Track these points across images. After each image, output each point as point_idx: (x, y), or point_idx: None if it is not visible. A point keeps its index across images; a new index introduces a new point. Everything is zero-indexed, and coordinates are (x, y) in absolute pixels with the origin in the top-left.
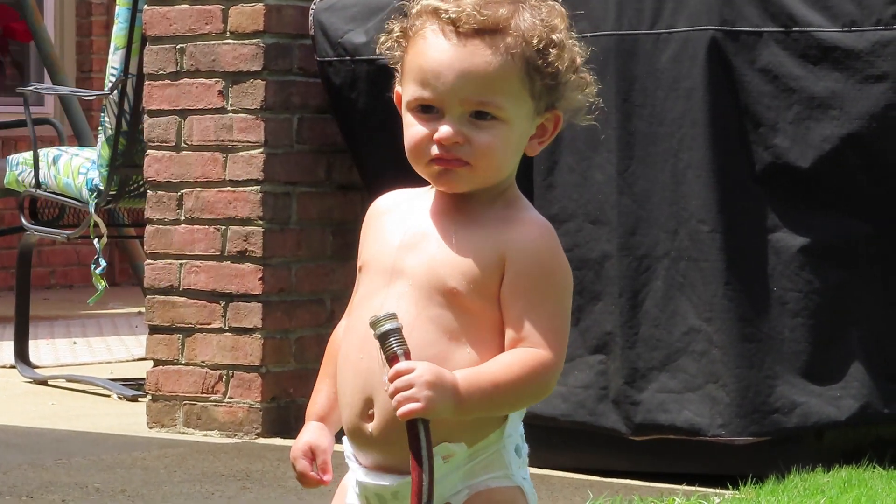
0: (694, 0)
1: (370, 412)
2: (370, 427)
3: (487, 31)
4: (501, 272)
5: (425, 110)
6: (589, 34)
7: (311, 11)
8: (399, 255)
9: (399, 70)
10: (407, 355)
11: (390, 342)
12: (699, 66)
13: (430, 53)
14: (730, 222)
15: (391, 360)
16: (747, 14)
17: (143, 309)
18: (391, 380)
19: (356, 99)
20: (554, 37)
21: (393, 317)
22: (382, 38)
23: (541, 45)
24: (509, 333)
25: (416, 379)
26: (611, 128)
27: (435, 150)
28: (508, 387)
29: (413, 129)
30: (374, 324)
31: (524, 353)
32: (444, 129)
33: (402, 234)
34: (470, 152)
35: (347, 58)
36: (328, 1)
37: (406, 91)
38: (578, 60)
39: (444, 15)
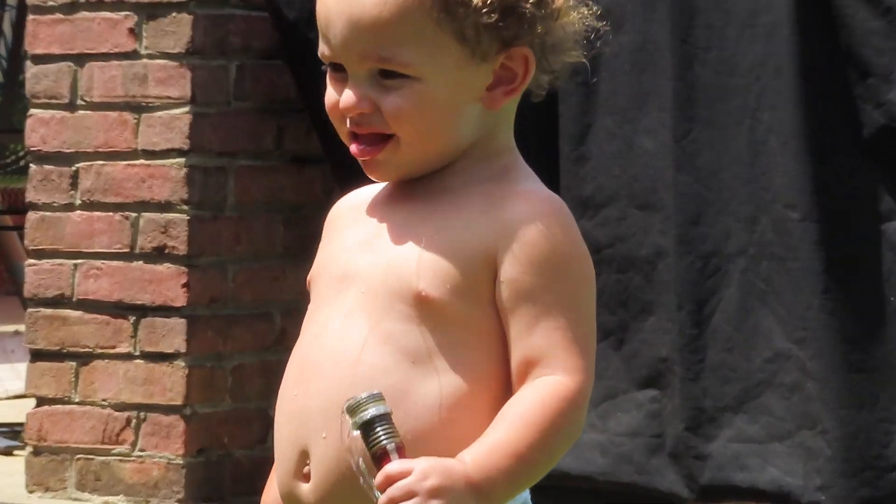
0: None
1: (305, 469)
2: (305, 489)
3: None
4: (493, 267)
5: (336, 67)
6: None
7: None
8: (349, 259)
9: None
10: (401, 451)
11: (377, 434)
12: None
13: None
14: (828, 207)
15: (380, 458)
16: None
17: (21, 327)
18: (381, 487)
19: (316, 39)
20: None
21: (378, 398)
22: None
23: None
24: (516, 354)
25: (415, 486)
26: (664, 78)
27: (349, 123)
28: (535, 452)
29: (327, 93)
30: (352, 408)
31: (543, 393)
32: (345, 96)
33: (356, 234)
34: (381, 120)
35: None
36: None
37: None
38: None
39: None
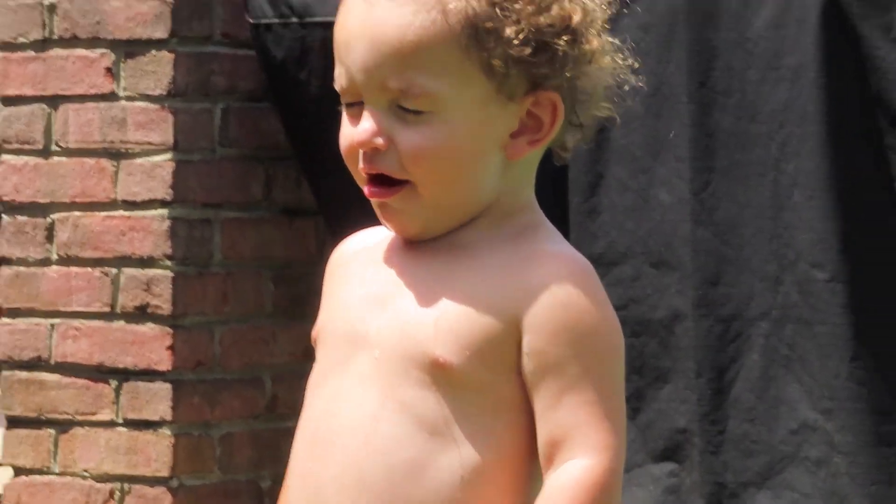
0: None
1: None
2: None
3: None
4: (516, 334)
5: (352, 104)
6: None
7: None
8: (362, 316)
9: None
10: None
11: None
12: (810, 35)
13: (343, 20)
14: (858, 267)
15: None
16: None
17: None
18: None
19: (307, 80)
20: None
21: None
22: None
23: None
24: (542, 432)
25: None
26: (681, 125)
27: (361, 162)
28: None
29: (342, 132)
30: None
31: (573, 483)
32: (360, 127)
33: (369, 287)
34: (395, 162)
35: (294, 19)
36: None
37: None
38: (576, 19)
39: None
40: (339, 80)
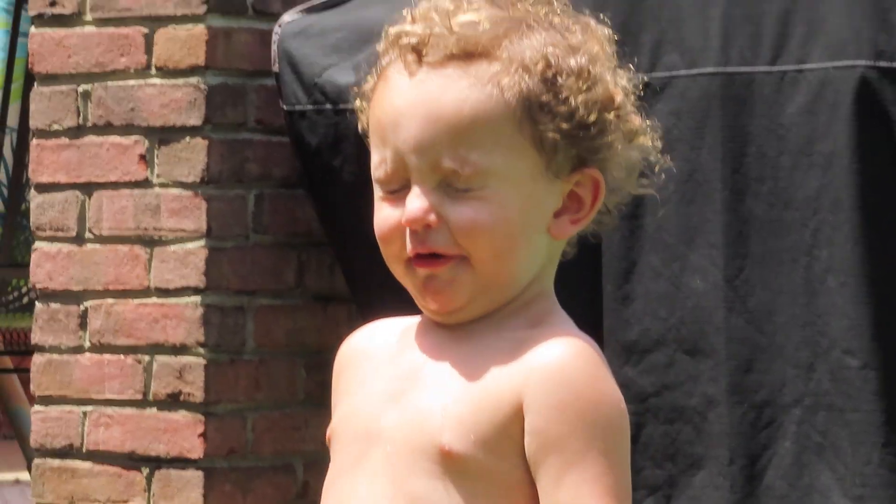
0: (835, 24)
1: None
2: None
3: (463, 57)
4: (520, 417)
5: (393, 190)
6: (682, 72)
7: (274, 37)
8: (376, 414)
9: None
10: None
11: None
12: (843, 121)
13: (388, 100)
14: (890, 354)
15: None
16: None
17: (21, 475)
18: None
19: (340, 167)
20: (572, 61)
21: None
22: (358, 97)
23: (549, 73)
24: None
25: None
26: (714, 211)
27: (409, 244)
28: None
29: (379, 216)
30: None
31: None
32: (410, 206)
33: (384, 384)
34: (448, 238)
35: (328, 106)
36: (299, 22)
37: (372, 165)
38: (619, 99)
39: (404, 40)
40: (383, 167)
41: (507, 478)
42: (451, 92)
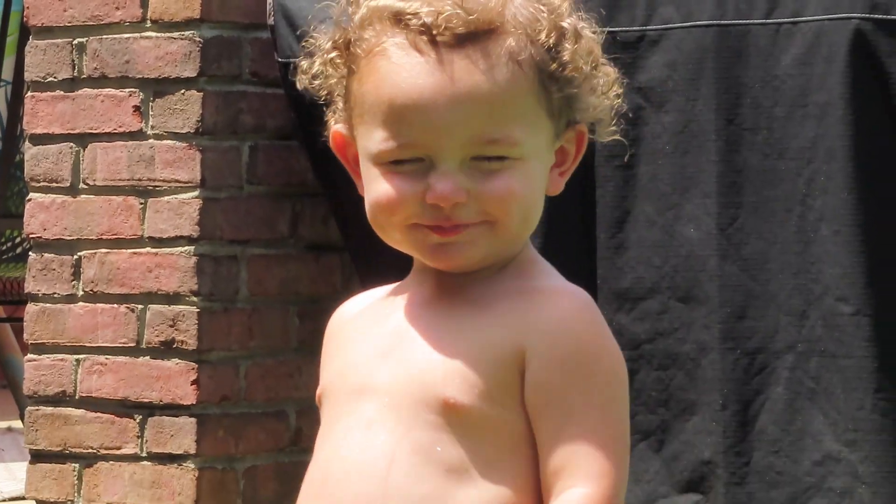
0: None
1: None
2: None
3: (480, 34)
4: (522, 368)
5: (403, 162)
6: (677, 24)
7: None
8: (368, 370)
9: (341, 105)
10: None
11: None
12: (838, 72)
13: (401, 79)
14: (883, 301)
15: None
16: None
17: (13, 423)
18: None
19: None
20: (564, 24)
21: None
22: (305, 65)
23: (551, 40)
24: (543, 463)
25: None
26: (708, 161)
27: (429, 216)
28: None
29: (382, 187)
30: None
31: None
32: (443, 186)
33: (374, 342)
34: (475, 211)
35: None
36: None
37: (367, 137)
38: (598, 50)
39: (412, 20)
40: (390, 143)
41: (510, 429)
42: (479, 73)
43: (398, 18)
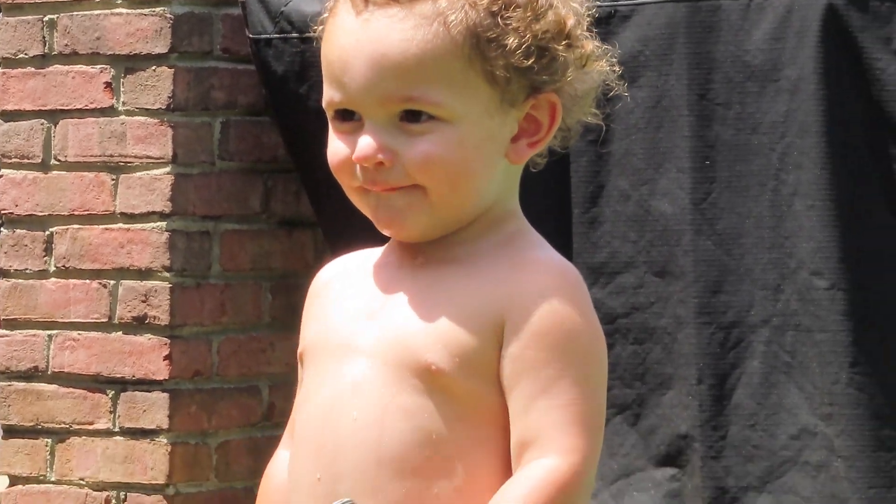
0: None
1: None
2: None
3: None
4: (500, 341)
5: (345, 117)
6: (648, 0)
7: None
8: (352, 330)
9: None
10: None
11: None
12: (810, 47)
13: (336, 38)
14: (857, 275)
15: None
16: None
17: None
18: None
19: (307, 94)
20: None
21: None
22: (319, 30)
23: (495, 7)
24: (514, 435)
25: None
26: (681, 136)
27: (365, 179)
28: None
29: (331, 147)
30: None
31: (530, 482)
32: (362, 144)
33: (358, 303)
34: (402, 174)
35: (294, 35)
36: None
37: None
38: (570, 23)
39: None
40: (331, 97)
41: (488, 401)
42: (397, 32)
43: None
